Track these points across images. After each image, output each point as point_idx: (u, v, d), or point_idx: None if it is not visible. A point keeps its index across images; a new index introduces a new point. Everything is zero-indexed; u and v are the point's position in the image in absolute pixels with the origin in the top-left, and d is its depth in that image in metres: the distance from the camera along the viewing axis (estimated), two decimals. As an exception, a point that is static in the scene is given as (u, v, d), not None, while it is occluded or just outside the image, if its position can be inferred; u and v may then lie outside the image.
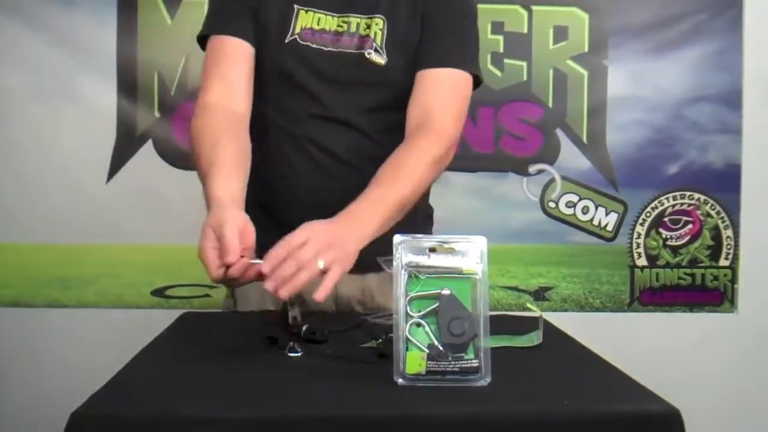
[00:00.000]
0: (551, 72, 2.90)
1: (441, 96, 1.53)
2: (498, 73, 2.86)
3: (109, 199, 2.81)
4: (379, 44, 1.54)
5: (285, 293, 1.15)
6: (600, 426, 0.95)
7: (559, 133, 2.92)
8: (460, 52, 1.57)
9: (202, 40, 1.59)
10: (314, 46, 1.54)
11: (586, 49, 2.91)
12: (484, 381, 1.02)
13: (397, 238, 1.06)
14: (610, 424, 0.95)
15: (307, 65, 1.54)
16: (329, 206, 1.41)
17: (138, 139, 2.82)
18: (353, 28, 1.55)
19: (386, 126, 1.56)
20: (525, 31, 2.89)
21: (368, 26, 1.55)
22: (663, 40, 2.93)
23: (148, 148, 2.82)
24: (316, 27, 1.55)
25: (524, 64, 2.89)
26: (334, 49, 1.54)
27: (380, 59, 1.54)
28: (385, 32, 1.54)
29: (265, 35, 1.56)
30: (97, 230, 2.80)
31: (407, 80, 1.55)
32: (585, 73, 2.91)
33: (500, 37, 2.87)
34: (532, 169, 2.93)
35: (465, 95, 1.57)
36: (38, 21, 2.75)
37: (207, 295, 2.77)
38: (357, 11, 1.55)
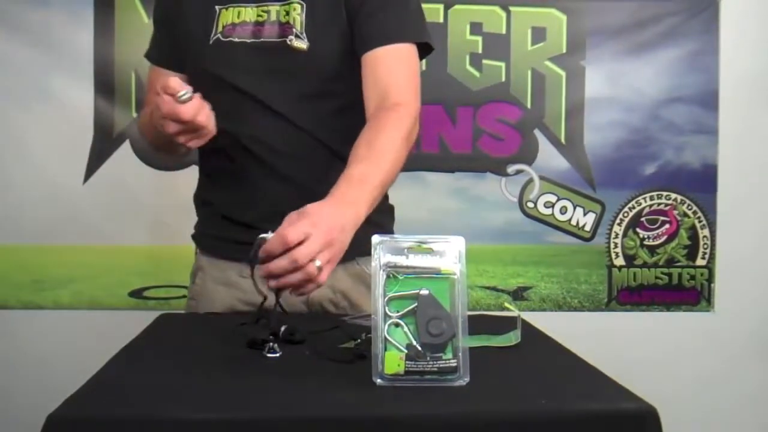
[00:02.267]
0: (529, 73, 2.92)
1: (393, 73, 1.49)
2: (476, 73, 2.86)
3: (86, 200, 2.79)
4: (299, 30, 1.52)
5: (275, 286, 1.16)
6: (578, 424, 0.95)
7: (537, 133, 2.93)
8: (400, 24, 1.53)
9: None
10: (237, 40, 1.53)
11: (564, 50, 2.92)
12: (463, 381, 1.02)
13: (375, 239, 1.05)
14: (587, 422, 0.95)
15: (233, 61, 1.54)
16: (279, 202, 1.45)
17: (115, 140, 2.80)
18: (273, 17, 1.54)
19: (320, 115, 1.55)
20: (503, 32, 2.90)
21: (287, 12, 1.53)
22: (640, 41, 2.95)
23: (126, 148, 2.80)
24: (236, 21, 1.54)
25: (503, 64, 2.90)
26: (256, 40, 1.53)
27: (302, 44, 1.51)
28: (304, 17, 1.52)
29: (191, 42, 1.58)
30: (73, 231, 2.78)
31: (333, 64, 1.53)
32: (563, 73, 2.92)
33: (479, 38, 2.88)
34: (511, 169, 2.94)
35: (414, 67, 1.53)
36: (13, 20, 2.73)
37: (185, 296, 2.74)
38: None
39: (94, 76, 2.78)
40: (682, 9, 2.94)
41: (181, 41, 1.60)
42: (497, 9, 2.89)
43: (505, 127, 2.92)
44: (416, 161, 2.66)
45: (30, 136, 2.77)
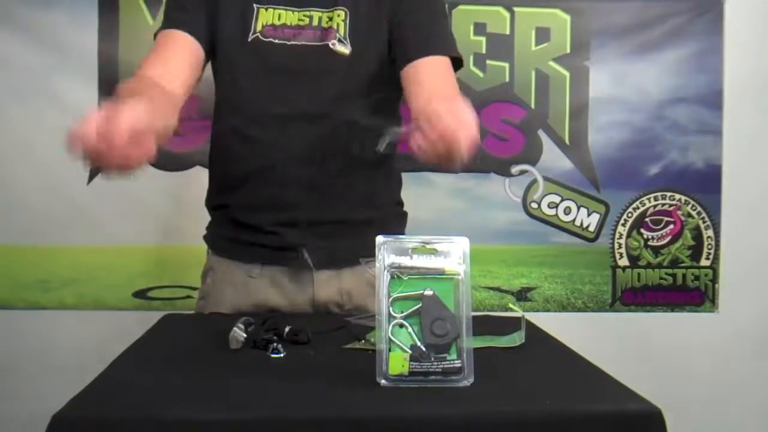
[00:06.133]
0: (533, 73, 2.91)
1: (436, 80, 1.52)
2: (480, 74, 2.86)
3: (90, 200, 2.79)
4: (342, 35, 1.54)
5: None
6: (582, 425, 0.95)
7: (542, 133, 2.93)
8: (441, 38, 1.57)
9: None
10: (277, 41, 1.54)
11: (568, 51, 2.92)
12: (467, 381, 1.02)
13: (379, 239, 1.05)
14: (592, 423, 0.95)
15: (269, 62, 1.54)
16: (294, 206, 1.53)
17: (119, 140, 2.80)
18: (315, 22, 1.55)
19: (347, 117, 1.55)
20: (507, 32, 2.90)
21: (330, 18, 1.55)
22: (644, 41, 2.94)
23: (130, 148, 2.80)
24: (277, 23, 1.54)
25: (506, 65, 2.90)
26: (297, 43, 1.54)
27: (344, 49, 1.54)
28: (348, 23, 1.54)
29: (226, 39, 1.56)
30: (78, 231, 2.79)
31: (373, 68, 1.56)
32: (567, 74, 2.92)
33: (482, 39, 2.87)
34: (515, 169, 2.94)
35: (453, 78, 1.57)
36: (18, 21, 2.73)
37: (189, 297, 2.75)
38: (317, 5, 1.56)
39: (99, 77, 2.78)
40: (687, 9, 2.94)
41: (216, 31, 1.57)
42: (501, 9, 2.89)
43: (509, 128, 2.92)
44: (420, 161, 2.66)
45: (34, 136, 2.77)
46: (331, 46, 1.54)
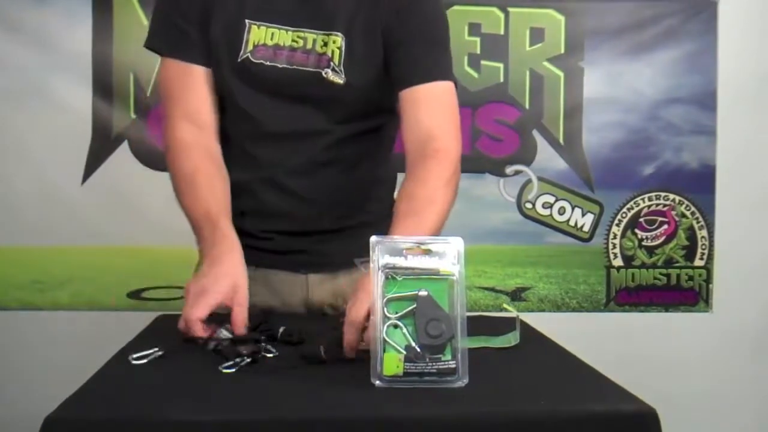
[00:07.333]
0: (528, 73, 2.92)
1: (437, 114, 1.48)
2: (475, 74, 2.86)
3: (84, 201, 2.78)
4: (336, 63, 1.49)
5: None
6: (577, 426, 0.95)
7: (536, 134, 2.93)
8: (442, 62, 1.52)
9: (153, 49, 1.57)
10: (268, 63, 1.49)
11: (563, 51, 2.92)
12: (462, 382, 1.02)
13: (373, 240, 1.05)
14: (586, 423, 0.95)
15: (259, 83, 1.50)
16: (285, 215, 1.54)
17: (114, 141, 2.80)
18: (309, 45, 1.50)
19: (341, 137, 1.53)
20: (502, 32, 2.90)
21: (325, 44, 1.49)
22: (638, 42, 2.95)
23: (124, 149, 2.80)
24: (269, 43, 1.49)
25: (501, 65, 2.90)
26: (289, 66, 1.49)
27: (338, 79, 1.48)
28: (344, 50, 1.49)
29: (216, 53, 1.51)
30: (72, 232, 2.78)
31: (368, 95, 1.52)
32: (561, 74, 2.93)
33: (477, 39, 2.88)
34: (509, 170, 2.94)
35: (455, 105, 1.52)
36: (11, 20, 2.73)
37: (183, 297, 2.75)
38: (313, 26, 1.50)
39: (93, 76, 2.78)
40: (681, 10, 2.94)
41: (210, 42, 1.52)
42: (495, 10, 2.89)
43: (504, 128, 2.92)
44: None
45: (28, 136, 2.77)
46: (324, 75, 1.48)
